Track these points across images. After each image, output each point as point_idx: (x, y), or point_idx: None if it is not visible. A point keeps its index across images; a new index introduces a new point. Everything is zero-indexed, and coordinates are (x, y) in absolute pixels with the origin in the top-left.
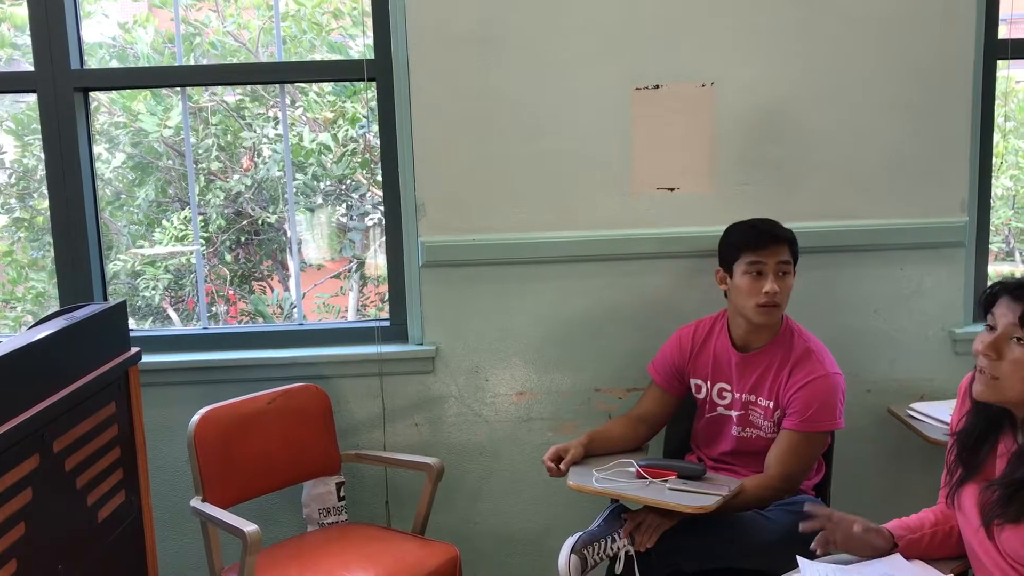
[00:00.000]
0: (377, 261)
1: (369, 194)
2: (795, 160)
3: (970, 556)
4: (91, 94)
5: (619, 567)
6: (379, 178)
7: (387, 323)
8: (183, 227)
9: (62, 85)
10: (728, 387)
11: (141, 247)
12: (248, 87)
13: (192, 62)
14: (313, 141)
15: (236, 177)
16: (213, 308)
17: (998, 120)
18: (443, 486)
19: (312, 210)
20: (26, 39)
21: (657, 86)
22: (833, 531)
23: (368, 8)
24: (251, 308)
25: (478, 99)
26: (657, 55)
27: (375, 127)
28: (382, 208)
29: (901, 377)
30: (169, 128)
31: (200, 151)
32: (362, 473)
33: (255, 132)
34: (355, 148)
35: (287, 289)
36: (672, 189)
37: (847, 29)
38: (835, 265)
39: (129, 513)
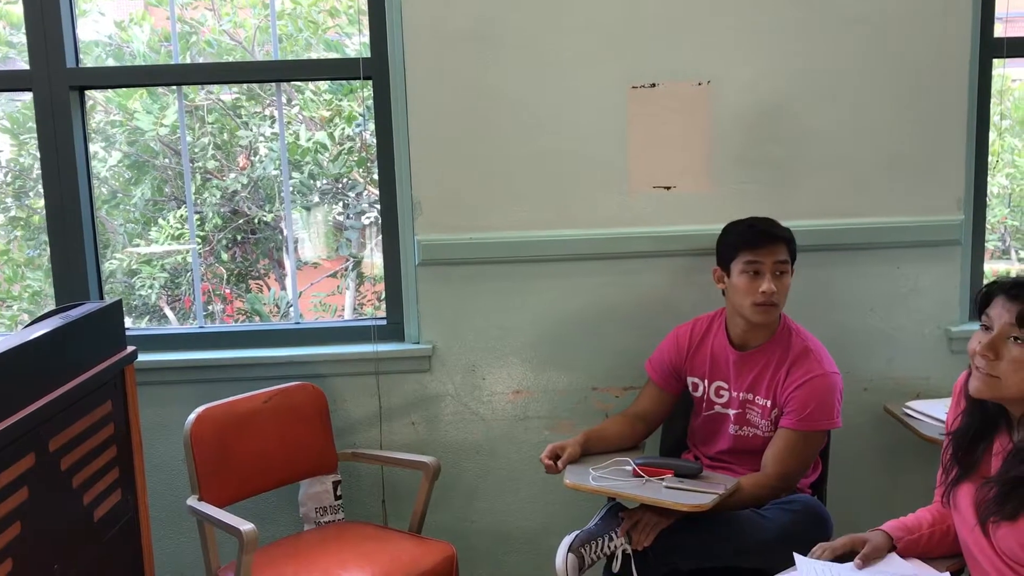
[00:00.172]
0: (374, 260)
1: (366, 193)
2: (792, 159)
3: (966, 554)
4: (87, 92)
5: (616, 565)
6: (375, 176)
7: (383, 322)
8: (179, 226)
9: (58, 83)
10: (725, 386)
11: (137, 246)
12: (244, 86)
13: (188, 61)
14: (309, 140)
15: (232, 176)
16: (209, 307)
17: (994, 118)
18: (440, 485)
19: (309, 209)
20: (21, 37)
21: (654, 85)
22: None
23: (364, 6)
24: (247, 307)
25: (474, 97)
26: (654, 54)
27: (371, 125)
28: (378, 207)
29: (897, 375)
30: (165, 127)
31: (196, 150)
32: (359, 472)
33: (251, 131)
34: (351, 147)
35: (284, 288)
36: (669, 188)
37: (843, 28)
38: (832, 263)
39: (125, 512)
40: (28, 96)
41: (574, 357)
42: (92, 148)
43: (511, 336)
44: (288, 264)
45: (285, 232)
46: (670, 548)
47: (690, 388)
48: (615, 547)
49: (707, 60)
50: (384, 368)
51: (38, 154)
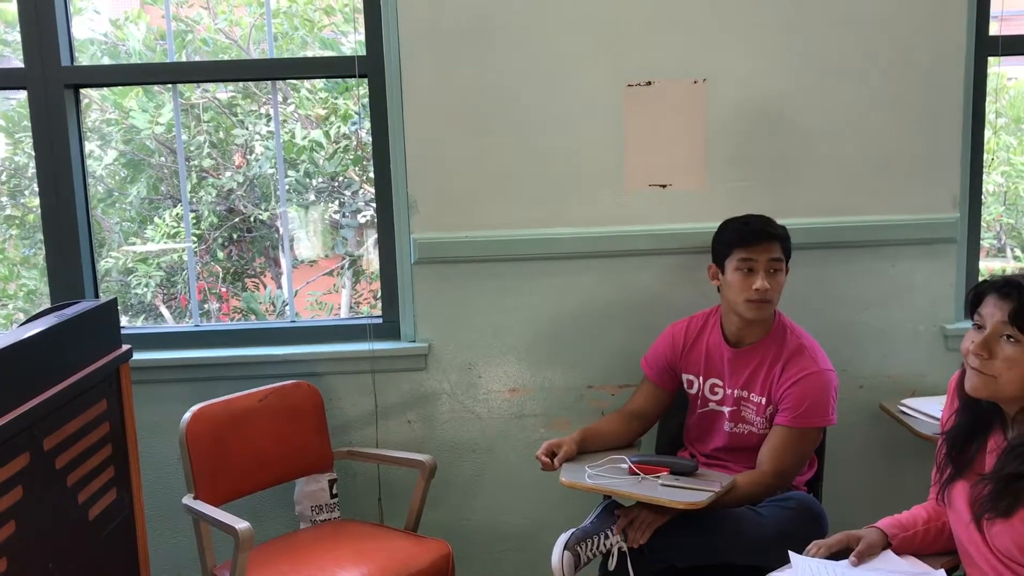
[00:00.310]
0: (370, 258)
1: (362, 191)
2: (787, 156)
3: (960, 552)
4: (82, 91)
5: (612, 563)
6: (371, 175)
7: (379, 320)
8: (175, 224)
9: (53, 82)
10: (720, 383)
11: (133, 244)
12: (240, 84)
13: (184, 59)
14: (305, 138)
15: (228, 174)
16: (205, 305)
17: (989, 116)
18: (436, 483)
19: (305, 207)
20: (16, 36)
21: (649, 83)
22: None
23: (360, 4)
24: (243, 305)
25: (470, 95)
26: (649, 51)
27: (367, 124)
28: (374, 205)
29: (893, 373)
30: (161, 125)
31: (192, 148)
32: (355, 470)
33: (247, 129)
34: (347, 145)
35: (280, 286)
36: (665, 186)
37: (839, 26)
38: (827, 261)
39: (120, 511)
40: (23, 94)
41: (570, 355)
42: (88, 146)
43: (507, 334)
44: (284, 262)
45: (281, 230)
46: (666, 546)
47: (685, 385)
48: (611, 545)
49: (703, 58)
50: (380, 366)
51: (33, 153)
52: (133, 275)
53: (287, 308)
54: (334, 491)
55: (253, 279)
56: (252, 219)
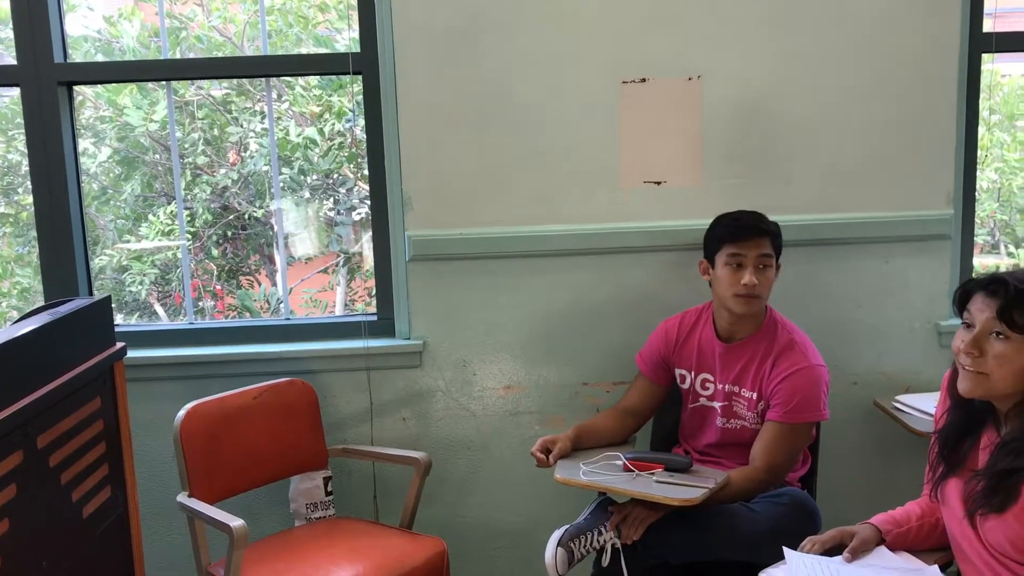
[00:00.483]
0: (365, 255)
1: (356, 188)
2: (781, 153)
3: (954, 548)
4: (76, 88)
5: (606, 560)
6: (366, 172)
7: (374, 317)
8: (169, 222)
9: (46, 79)
10: (711, 378)
11: (127, 242)
12: (234, 81)
13: (178, 56)
14: (299, 135)
15: (223, 171)
16: (200, 303)
17: (983, 113)
18: (431, 480)
19: (299, 205)
20: (8, 32)
21: (644, 80)
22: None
23: (354, 1)
24: (238, 303)
25: (465, 93)
26: (644, 48)
27: (361, 121)
28: (369, 202)
29: (887, 369)
30: (155, 122)
31: (186, 145)
32: (349, 468)
33: (241, 126)
34: (342, 142)
35: (274, 284)
36: (659, 183)
37: (834, 24)
38: (821, 258)
39: (115, 509)
40: (16, 92)
41: (565, 352)
42: (81, 144)
43: (502, 331)
44: (279, 260)
45: (275, 228)
46: (659, 542)
47: (678, 380)
48: (604, 541)
49: (698, 55)
50: (375, 364)
51: (26, 150)
52: (127, 273)
53: (282, 306)
54: (329, 488)
55: (248, 276)
56: (246, 216)
